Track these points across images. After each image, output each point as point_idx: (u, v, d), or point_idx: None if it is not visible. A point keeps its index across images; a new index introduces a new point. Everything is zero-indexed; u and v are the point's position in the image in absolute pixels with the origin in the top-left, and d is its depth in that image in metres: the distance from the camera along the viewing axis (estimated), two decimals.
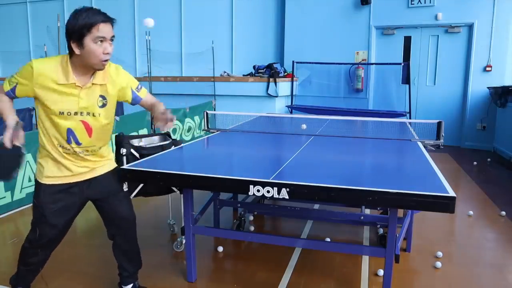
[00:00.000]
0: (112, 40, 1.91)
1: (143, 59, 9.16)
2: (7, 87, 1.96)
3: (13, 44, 11.05)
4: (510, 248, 3.25)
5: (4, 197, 3.89)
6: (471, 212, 4.00)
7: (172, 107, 6.71)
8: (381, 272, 2.66)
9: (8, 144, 1.87)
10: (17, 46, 11.00)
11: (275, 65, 8.02)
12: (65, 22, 1.90)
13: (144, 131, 5.75)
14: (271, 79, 7.79)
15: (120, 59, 9.98)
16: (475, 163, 6.33)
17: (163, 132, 2.21)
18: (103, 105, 2.04)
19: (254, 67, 8.29)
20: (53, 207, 2.07)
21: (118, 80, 2.08)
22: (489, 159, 6.53)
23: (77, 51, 1.85)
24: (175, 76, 8.96)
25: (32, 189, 4.11)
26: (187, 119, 7.04)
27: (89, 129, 2.02)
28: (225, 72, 8.73)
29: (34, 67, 1.88)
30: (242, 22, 8.99)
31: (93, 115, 2.02)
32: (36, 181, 2.12)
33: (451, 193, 1.84)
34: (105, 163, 2.20)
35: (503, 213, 4.01)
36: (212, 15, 9.15)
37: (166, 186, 2.98)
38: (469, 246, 3.30)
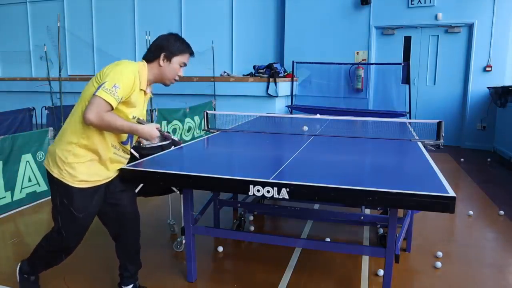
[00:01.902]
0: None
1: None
2: (114, 102, 1.91)
3: (13, 44, 11.05)
4: (509, 248, 3.25)
5: (4, 197, 3.89)
6: (471, 212, 4.00)
7: (172, 107, 6.73)
8: (381, 272, 2.66)
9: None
10: (17, 46, 11.00)
11: (275, 65, 8.02)
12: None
13: None
14: (271, 79, 7.79)
15: (120, 59, 10.00)
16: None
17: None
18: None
19: (254, 67, 8.29)
20: (86, 210, 2.09)
21: (147, 100, 2.32)
22: (489, 159, 6.53)
23: (161, 63, 2.14)
24: None
25: (32, 189, 4.15)
26: (187, 119, 7.04)
27: None
28: (225, 72, 8.73)
29: (134, 73, 2.02)
30: (242, 22, 8.99)
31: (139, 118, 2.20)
32: (61, 183, 2.02)
33: (451, 193, 1.84)
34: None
35: (502, 212, 4.01)
36: (212, 15, 9.15)
37: (166, 186, 2.98)
38: (469, 246, 3.30)
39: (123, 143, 2.15)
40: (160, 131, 2.16)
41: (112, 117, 1.92)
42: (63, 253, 2.21)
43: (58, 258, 2.23)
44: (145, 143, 3.03)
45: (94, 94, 1.89)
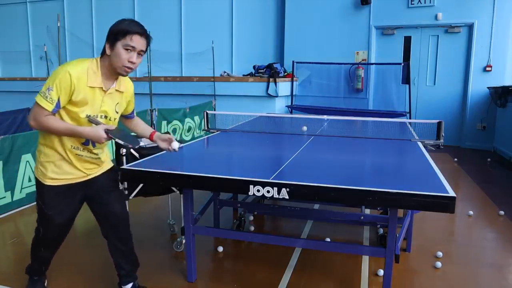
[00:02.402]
0: (140, 54, 2.02)
1: (143, 59, 9.16)
2: (49, 105, 1.89)
3: (13, 44, 11.05)
4: (509, 248, 3.25)
5: (4, 197, 3.89)
6: (471, 212, 4.00)
7: (172, 107, 6.73)
8: (381, 272, 2.66)
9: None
10: (17, 46, 11.00)
11: (275, 65, 8.02)
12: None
13: None
14: (271, 79, 7.79)
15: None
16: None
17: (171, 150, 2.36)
18: (117, 111, 2.17)
19: (254, 67, 8.29)
20: (57, 207, 2.12)
21: (130, 94, 2.26)
22: (489, 159, 6.53)
23: (108, 51, 1.98)
24: (175, 76, 8.96)
25: (32, 189, 4.14)
26: (187, 119, 7.04)
27: None
28: (225, 72, 8.73)
29: (72, 74, 1.90)
30: (242, 22, 8.99)
31: (109, 119, 2.11)
32: (38, 181, 2.12)
33: (451, 193, 1.84)
34: (105, 165, 2.27)
35: (502, 212, 4.01)
36: (212, 15, 9.15)
37: (166, 186, 2.98)
38: (469, 246, 3.30)
39: (84, 144, 2.08)
40: (109, 135, 1.97)
41: (49, 121, 1.92)
42: (46, 249, 2.27)
43: (43, 253, 2.29)
44: (145, 143, 3.03)
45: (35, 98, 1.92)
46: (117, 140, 2.02)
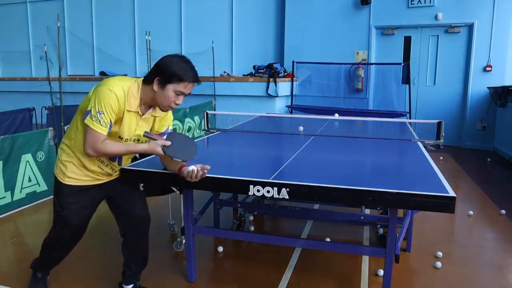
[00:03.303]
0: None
1: (143, 59, 9.17)
2: (104, 130, 1.89)
3: (13, 44, 11.05)
4: (510, 248, 3.25)
5: (4, 197, 3.89)
6: (471, 212, 4.00)
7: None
8: (381, 272, 2.66)
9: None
10: (17, 46, 11.00)
11: (275, 65, 8.02)
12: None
13: None
14: (271, 79, 7.79)
15: (120, 59, 10.02)
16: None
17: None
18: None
19: (254, 67, 8.28)
20: (73, 207, 2.11)
21: (165, 119, 2.19)
22: (489, 159, 6.53)
23: (155, 87, 1.93)
24: None
25: (32, 189, 4.15)
26: (187, 119, 7.04)
27: None
28: (225, 72, 8.73)
29: (117, 93, 1.88)
30: (242, 22, 8.99)
31: (139, 140, 2.10)
32: (56, 179, 2.12)
33: (451, 193, 1.84)
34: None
35: (503, 211, 4.01)
36: (212, 15, 9.15)
37: (166, 186, 2.98)
38: (469, 246, 3.30)
39: (111, 160, 2.10)
40: (164, 150, 1.97)
41: (107, 146, 1.92)
42: (60, 249, 2.27)
43: (55, 253, 2.28)
44: None
45: (84, 121, 1.89)
46: (172, 156, 2.00)
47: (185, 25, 9.37)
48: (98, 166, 2.10)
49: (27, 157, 4.09)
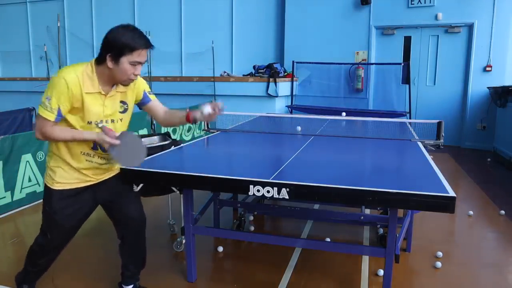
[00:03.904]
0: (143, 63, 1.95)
1: None
2: (50, 115, 1.86)
3: (13, 44, 11.05)
4: (510, 248, 3.25)
5: (4, 197, 3.89)
6: (471, 212, 4.00)
7: (172, 107, 6.72)
8: (381, 272, 2.66)
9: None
10: (17, 46, 11.00)
11: (275, 65, 8.02)
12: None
13: (144, 131, 5.76)
14: (271, 79, 7.79)
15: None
16: (489, 159, 6.34)
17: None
18: (124, 111, 2.09)
19: (254, 67, 8.29)
20: (65, 212, 2.08)
21: (136, 86, 2.14)
22: (489, 159, 6.53)
23: (110, 64, 1.87)
24: (175, 76, 8.96)
25: (32, 189, 4.15)
26: None
27: None
28: (225, 72, 8.73)
29: (67, 80, 1.84)
30: (242, 22, 8.99)
31: (116, 121, 2.06)
32: (46, 186, 2.09)
33: (451, 193, 1.84)
34: (116, 168, 2.23)
35: (502, 212, 4.01)
36: (212, 15, 9.15)
37: (166, 186, 2.98)
38: (469, 246, 3.30)
39: (93, 148, 2.03)
40: (110, 148, 1.92)
41: (54, 131, 1.89)
42: (49, 256, 2.22)
43: (44, 260, 2.23)
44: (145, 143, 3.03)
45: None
46: (115, 160, 1.98)
47: (185, 25, 9.37)
48: (86, 160, 2.04)
49: (27, 157, 4.09)
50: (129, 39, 1.84)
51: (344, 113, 4.66)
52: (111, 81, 1.96)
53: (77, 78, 1.87)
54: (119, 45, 1.83)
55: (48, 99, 1.84)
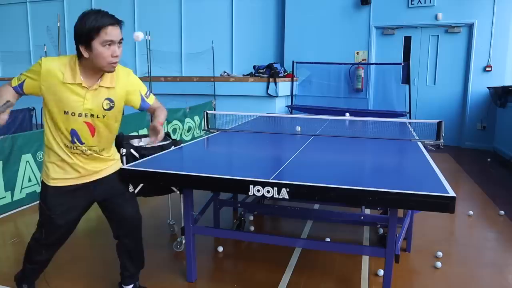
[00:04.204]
0: (120, 43, 1.91)
1: (143, 59, 9.16)
2: (14, 82, 1.98)
3: (13, 44, 11.05)
4: (510, 248, 3.25)
5: (4, 197, 3.89)
6: (471, 212, 4.00)
7: (172, 107, 6.73)
8: (381, 272, 2.66)
9: None
10: (17, 46, 11.00)
11: (275, 65, 8.02)
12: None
13: (144, 131, 5.75)
14: (271, 79, 7.79)
15: (120, 59, 10.01)
16: (489, 159, 6.35)
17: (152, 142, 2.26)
18: (110, 108, 2.03)
19: (254, 67, 8.29)
20: (60, 209, 2.08)
21: (127, 84, 2.08)
22: (489, 159, 6.53)
23: (85, 54, 1.84)
24: (175, 76, 8.96)
25: (32, 189, 4.15)
26: (187, 119, 7.04)
27: (92, 130, 2.01)
28: (225, 72, 8.73)
29: (43, 63, 1.91)
30: (242, 22, 8.99)
31: (97, 116, 2.00)
32: (42, 182, 2.10)
33: (451, 193, 1.84)
34: (111, 164, 2.20)
35: (502, 212, 4.01)
36: (212, 15, 9.15)
37: (166, 186, 2.98)
38: (469, 246, 3.30)
39: (71, 141, 2.00)
40: None
41: (3, 87, 1.99)
42: (46, 252, 2.22)
43: (41, 256, 2.23)
44: (145, 143, 3.03)
45: None
46: None
47: (185, 25, 9.37)
48: (72, 153, 2.02)
49: (27, 157, 4.09)
50: (93, 21, 1.80)
51: (347, 114, 4.67)
52: (96, 72, 1.93)
53: (57, 67, 1.90)
54: (85, 31, 1.80)
55: (21, 73, 1.99)
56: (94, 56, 1.84)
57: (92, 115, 1.99)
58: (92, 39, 1.81)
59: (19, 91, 1.98)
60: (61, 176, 2.05)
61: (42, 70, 1.89)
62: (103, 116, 2.02)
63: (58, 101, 1.92)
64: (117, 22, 1.89)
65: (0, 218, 3.78)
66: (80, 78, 1.91)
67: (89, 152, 2.06)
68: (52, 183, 2.05)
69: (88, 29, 1.80)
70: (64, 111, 1.93)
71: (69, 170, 2.06)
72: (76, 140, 2.00)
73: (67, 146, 2.02)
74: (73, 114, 1.94)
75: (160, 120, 2.19)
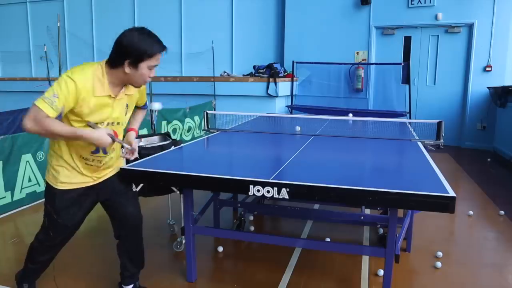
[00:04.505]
0: None
1: None
2: (52, 112, 1.77)
3: (13, 44, 11.05)
4: (510, 248, 3.25)
5: (4, 197, 3.89)
6: (471, 212, 4.00)
7: (172, 107, 6.73)
8: (381, 272, 2.66)
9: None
10: (17, 46, 11.00)
11: (275, 65, 8.02)
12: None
13: (144, 131, 5.75)
14: (271, 79, 7.79)
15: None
16: (489, 159, 6.35)
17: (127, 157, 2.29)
18: (126, 113, 2.11)
19: (254, 67, 8.29)
20: (68, 211, 2.09)
21: (142, 89, 2.20)
22: (489, 159, 6.53)
23: (127, 70, 1.88)
24: (175, 76, 8.96)
25: (32, 189, 4.14)
26: (187, 119, 7.04)
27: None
28: (225, 72, 8.73)
29: (77, 82, 1.81)
30: (242, 22, 8.99)
31: (120, 123, 2.07)
32: (48, 185, 2.08)
33: (451, 193, 1.84)
34: (116, 165, 2.24)
35: (502, 212, 4.01)
36: (212, 15, 9.15)
37: (166, 186, 2.98)
38: (469, 246, 3.30)
39: (93, 152, 2.02)
40: (112, 137, 1.93)
41: (52, 123, 1.78)
42: (50, 252, 2.24)
43: (45, 257, 2.25)
44: (145, 143, 3.03)
45: (33, 102, 1.76)
46: (120, 142, 2.04)
47: (185, 25, 9.37)
48: (86, 164, 2.04)
49: (27, 157, 4.09)
50: (148, 45, 1.87)
51: (351, 114, 4.67)
52: (123, 83, 1.98)
53: (90, 81, 1.85)
54: (138, 52, 1.85)
55: (55, 96, 1.77)
56: (136, 74, 1.90)
57: (118, 123, 2.05)
58: (142, 60, 1.87)
59: (60, 118, 1.86)
60: (70, 180, 2.06)
61: (78, 88, 1.82)
62: (124, 122, 2.10)
63: (89, 114, 1.90)
64: (166, 49, 1.97)
65: (0, 218, 3.78)
66: (109, 89, 1.93)
67: (104, 161, 2.10)
68: (60, 186, 2.05)
69: (142, 51, 1.85)
70: (88, 122, 1.93)
71: (77, 176, 2.07)
72: (100, 150, 2.03)
73: (82, 157, 2.03)
74: (101, 124, 1.96)
75: (135, 134, 2.30)
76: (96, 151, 2.03)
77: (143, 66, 1.89)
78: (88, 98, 1.87)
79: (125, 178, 2.25)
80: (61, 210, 2.08)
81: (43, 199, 2.15)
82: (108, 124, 1.99)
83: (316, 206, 3.93)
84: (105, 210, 2.28)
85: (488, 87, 7.22)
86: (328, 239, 3.17)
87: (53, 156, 2.06)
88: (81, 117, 1.90)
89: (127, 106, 2.10)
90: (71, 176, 2.05)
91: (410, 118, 7.25)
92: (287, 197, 1.99)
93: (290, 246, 3.05)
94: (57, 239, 2.18)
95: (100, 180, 2.16)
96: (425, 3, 7.43)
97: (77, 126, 1.91)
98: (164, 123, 6.26)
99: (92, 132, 1.88)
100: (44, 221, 2.16)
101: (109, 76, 1.91)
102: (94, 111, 1.91)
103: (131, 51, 1.85)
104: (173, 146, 3.00)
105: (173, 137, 5.55)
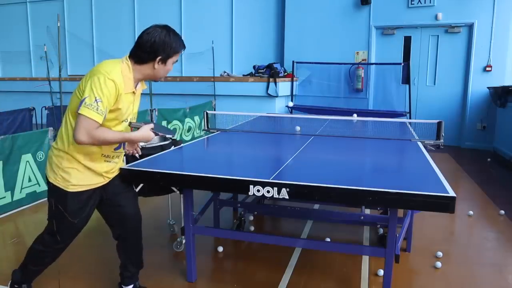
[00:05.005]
0: None
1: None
2: (99, 118, 1.82)
3: (13, 44, 11.05)
4: (510, 248, 3.25)
5: (4, 197, 3.89)
6: (471, 212, 4.00)
7: (172, 107, 6.73)
8: (381, 272, 2.66)
9: None
10: (17, 46, 11.00)
11: (275, 65, 8.02)
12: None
13: None
14: (271, 79, 7.79)
15: (120, 58, 10.01)
16: (489, 159, 6.35)
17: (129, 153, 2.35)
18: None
19: (254, 67, 8.29)
20: (81, 213, 2.09)
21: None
22: (489, 159, 6.53)
23: (157, 66, 1.99)
24: (175, 76, 8.95)
25: (32, 189, 4.14)
26: (187, 119, 7.04)
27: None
28: (225, 72, 8.73)
29: (117, 83, 1.88)
30: (242, 22, 8.99)
31: (135, 119, 2.14)
32: (58, 189, 2.03)
33: (451, 193, 1.84)
34: (119, 165, 2.25)
35: (502, 212, 4.02)
36: (212, 15, 9.15)
37: (166, 186, 2.98)
38: (469, 246, 3.30)
39: (116, 149, 2.09)
40: (154, 132, 2.06)
41: (103, 132, 1.85)
42: (55, 254, 2.23)
43: (50, 259, 2.24)
44: (143, 144, 3.02)
45: (78, 112, 1.81)
46: (161, 134, 2.15)
47: (185, 25, 9.37)
48: (105, 161, 2.07)
49: (27, 157, 4.09)
50: (176, 43, 2.02)
51: (355, 115, 4.66)
52: (145, 79, 2.08)
53: (121, 79, 1.92)
54: (170, 49, 1.98)
55: (99, 101, 1.80)
56: (162, 70, 2.02)
57: (133, 117, 2.11)
58: (171, 57, 2.02)
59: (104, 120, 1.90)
60: (83, 182, 2.04)
61: (117, 87, 1.88)
62: (134, 118, 2.15)
63: (122, 112, 1.97)
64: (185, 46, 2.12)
65: (0, 218, 3.78)
66: (133, 86, 2.01)
67: (122, 156, 2.17)
68: (72, 189, 2.02)
69: (174, 50, 2.01)
70: (125, 119, 2.02)
71: (90, 176, 2.06)
72: (121, 145, 2.11)
73: (103, 155, 2.05)
74: (126, 120, 2.04)
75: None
76: (118, 147, 2.09)
77: (170, 62, 2.03)
78: (122, 96, 1.93)
79: (125, 178, 2.25)
80: (74, 212, 2.06)
81: (43, 199, 2.15)
82: (127, 119, 2.05)
83: (316, 206, 3.93)
84: (101, 210, 2.25)
85: (488, 87, 7.22)
86: (328, 239, 3.17)
87: (63, 158, 2.00)
88: (116, 115, 1.95)
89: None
90: (84, 178, 2.03)
91: (410, 118, 7.25)
92: (287, 197, 1.99)
93: (290, 246, 3.05)
94: (66, 242, 2.17)
95: (106, 182, 2.16)
96: (425, 3, 7.43)
97: (106, 126, 1.93)
98: (164, 123, 6.26)
99: (137, 133, 2.01)
100: (50, 224, 2.12)
101: (135, 73, 2.00)
102: (124, 108, 1.98)
103: (164, 48, 1.97)
104: (173, 146, 3.00)
105: (168, 135, 5.54)
